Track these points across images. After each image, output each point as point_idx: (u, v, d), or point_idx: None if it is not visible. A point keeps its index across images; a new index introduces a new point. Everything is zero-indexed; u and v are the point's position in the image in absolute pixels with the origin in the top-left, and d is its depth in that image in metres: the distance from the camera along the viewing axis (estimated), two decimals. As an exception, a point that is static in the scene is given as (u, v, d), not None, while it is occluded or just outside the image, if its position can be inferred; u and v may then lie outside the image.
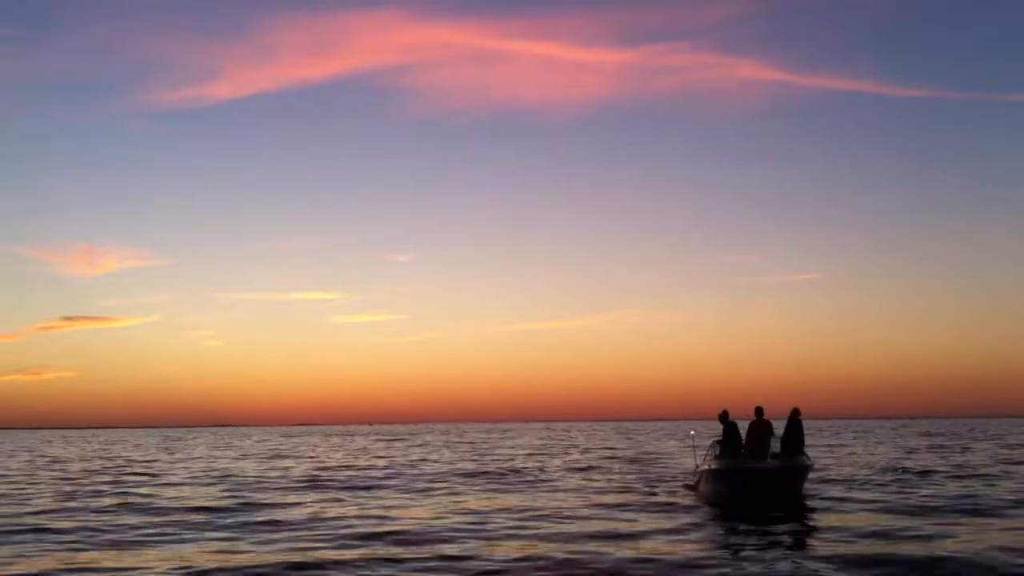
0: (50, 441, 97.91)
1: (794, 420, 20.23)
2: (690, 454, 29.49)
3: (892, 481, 25.68)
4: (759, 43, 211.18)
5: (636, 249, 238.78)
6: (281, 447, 62.79)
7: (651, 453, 45.42)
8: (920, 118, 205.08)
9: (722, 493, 20.44)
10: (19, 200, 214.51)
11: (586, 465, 35.00)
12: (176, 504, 21.38)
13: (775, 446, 20.57)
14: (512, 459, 40.49)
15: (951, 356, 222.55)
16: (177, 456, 49.52)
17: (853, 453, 42.31)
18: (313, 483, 27.61)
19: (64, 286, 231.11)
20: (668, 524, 16.66)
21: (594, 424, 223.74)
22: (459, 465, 35.99)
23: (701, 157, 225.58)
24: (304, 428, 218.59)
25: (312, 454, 49.63)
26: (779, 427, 21.29)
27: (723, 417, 21.25)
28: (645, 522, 16.99)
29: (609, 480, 27.38)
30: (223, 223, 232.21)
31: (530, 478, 28.52)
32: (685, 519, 17.43)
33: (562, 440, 70.99)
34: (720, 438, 21.74)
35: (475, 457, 43.18)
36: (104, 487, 26.99)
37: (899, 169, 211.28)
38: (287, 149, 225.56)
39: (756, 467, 19.52)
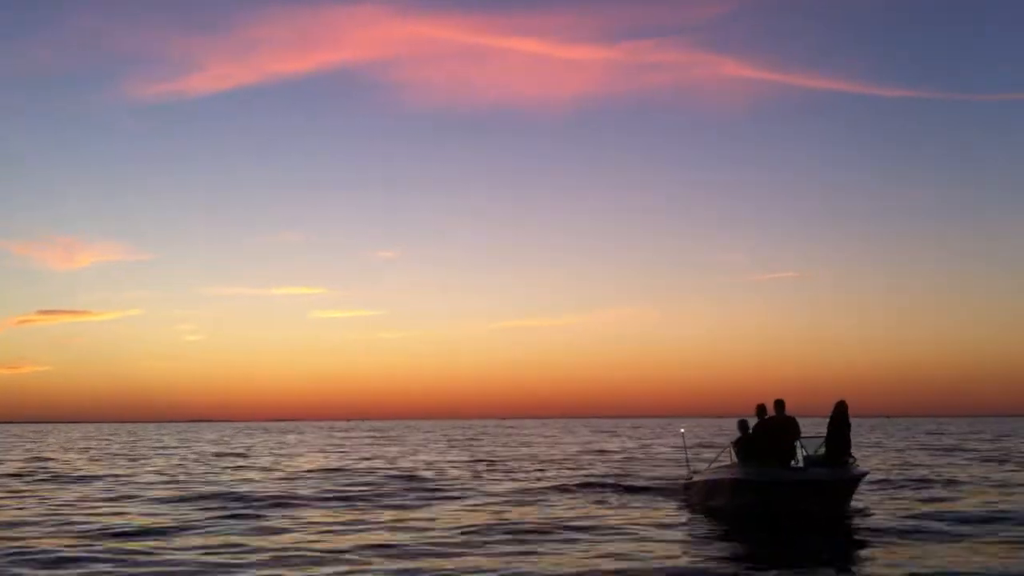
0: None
1: (840, 415, 15.69)
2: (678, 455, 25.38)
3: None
4: (745, 42, 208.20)
5: (622, 247, 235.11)
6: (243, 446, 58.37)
7: (628, 450, 41.35)
8: (906, 118, 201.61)
9: (743, 507, 16.28)
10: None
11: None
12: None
13: (808, 448, 16.29)
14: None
15: (939, 355, 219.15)
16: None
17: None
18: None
19: (42, 280, 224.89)
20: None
21: (583, 421, 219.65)
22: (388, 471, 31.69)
23: (687, 155, 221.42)
24: (286, 424, 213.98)
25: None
26: (805, 425, 17.02)
27: (760, 412, 16.72)
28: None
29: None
30: (205, 217, 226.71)
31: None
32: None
33: (533, 440, 66.80)
34: (737, 438, 17.58)
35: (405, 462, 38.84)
36: None
37: (885, 169, 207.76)
38: (270, 143, 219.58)
39: (795, 478, 15.33)
